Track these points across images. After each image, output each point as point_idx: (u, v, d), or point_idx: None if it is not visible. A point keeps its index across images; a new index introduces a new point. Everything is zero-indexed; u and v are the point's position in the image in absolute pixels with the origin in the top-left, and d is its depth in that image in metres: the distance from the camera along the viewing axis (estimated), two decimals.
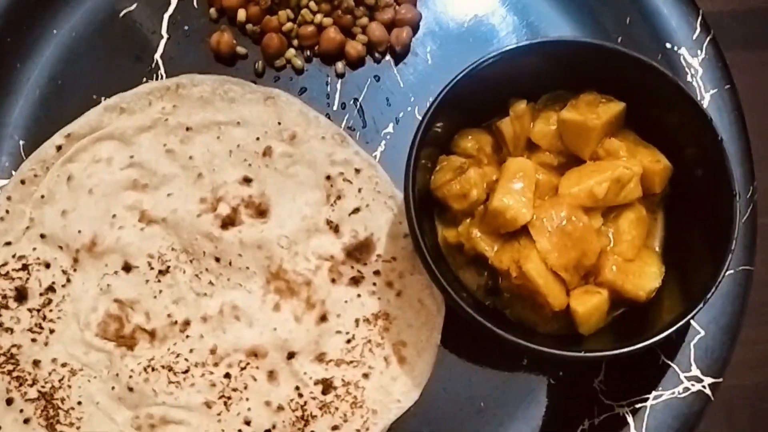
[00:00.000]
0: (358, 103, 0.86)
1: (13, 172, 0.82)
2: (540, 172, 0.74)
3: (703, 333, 0.79)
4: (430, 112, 0.73)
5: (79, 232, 0.79)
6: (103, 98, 0.84)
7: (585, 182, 0.72)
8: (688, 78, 0.85)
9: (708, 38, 0.86)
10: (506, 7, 0.88)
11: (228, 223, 0.79)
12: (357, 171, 0.81)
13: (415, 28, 0.88)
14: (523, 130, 0.76)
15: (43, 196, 0.80)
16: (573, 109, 0.75)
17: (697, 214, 0.75)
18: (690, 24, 0.86)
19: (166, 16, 0.87)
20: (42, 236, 0.79)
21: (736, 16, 0.94)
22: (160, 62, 0.86)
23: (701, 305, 0.69)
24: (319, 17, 0.86)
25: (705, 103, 0.84)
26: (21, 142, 0.84)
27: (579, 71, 0.75)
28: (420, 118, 0.85)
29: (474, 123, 0.79)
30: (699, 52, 0.86)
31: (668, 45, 0.85)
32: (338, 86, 0.86)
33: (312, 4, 0.86)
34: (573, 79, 0.76)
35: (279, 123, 0.82)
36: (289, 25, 0.86)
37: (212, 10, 0.87)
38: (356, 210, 0.81)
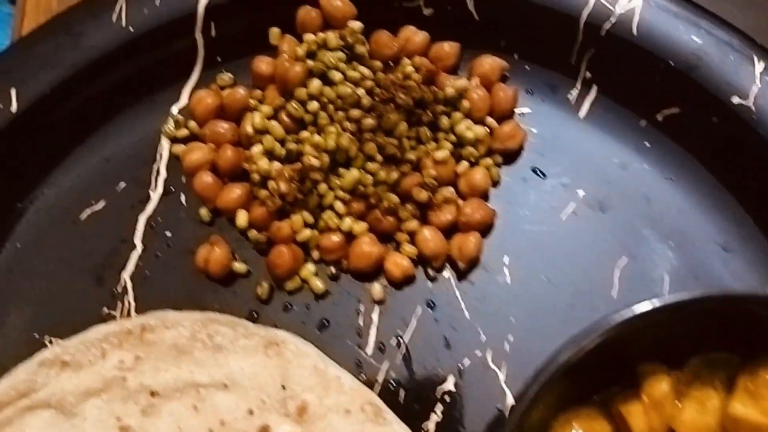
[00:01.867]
0: (403, 344, 0.59)
1: None
2: None
3: None
4: (531, 394, 0.46)
5: None
6: (47, 338, 0.60)
7: None
8: None
9: None
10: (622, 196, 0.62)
11: None
12: None
13: (486, 233, 0.62)
14: (662, 421, 0.48)
15: None
16: (750, 399, 0.46)
17: None
18: None
19: (142, 219, 0.64)
20: None
21: None
22: (129, 284, 0.62)
23: None
24: (348, 222, 0.60)
25: None
26: None
27: (748, 330, 0.47)
28: (494, 367, 0.59)
29: (580, 397, 0.51)
30: None
31: None
32: (375, 318, 0.60)
33: (338, 204, 0.61)
34: (738, 339, 0.48)
35: (283, 387, 0.55)
36: (306, 233, 0.61)
37: (203, 211, 0.63)
38: None
